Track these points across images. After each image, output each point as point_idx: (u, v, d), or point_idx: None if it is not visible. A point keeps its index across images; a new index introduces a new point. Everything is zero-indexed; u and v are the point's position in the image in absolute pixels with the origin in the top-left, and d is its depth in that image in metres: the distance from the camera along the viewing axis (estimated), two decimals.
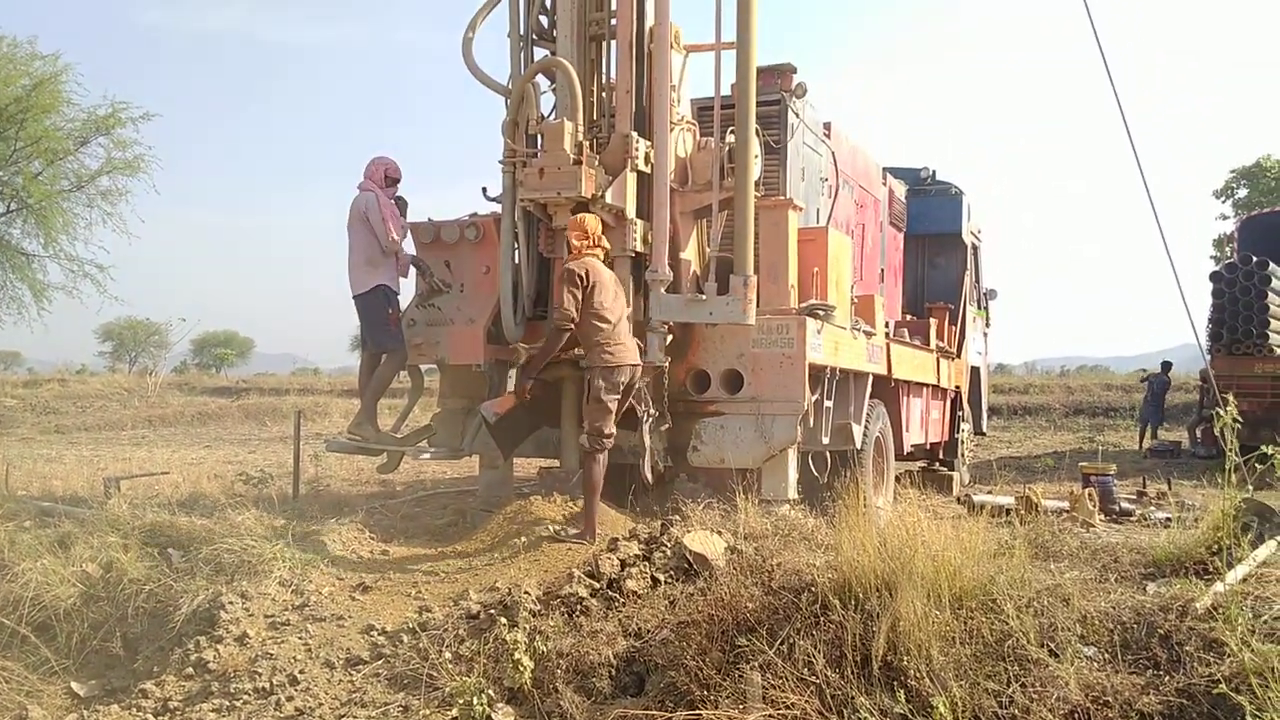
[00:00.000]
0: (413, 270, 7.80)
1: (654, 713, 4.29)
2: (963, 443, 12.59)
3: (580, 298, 6.50)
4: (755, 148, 7.11)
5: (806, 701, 4.04)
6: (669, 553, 5.38)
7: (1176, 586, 4.50)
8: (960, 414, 12.31)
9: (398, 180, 7.79)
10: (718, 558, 5.21)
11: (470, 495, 8.84)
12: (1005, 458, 17.39)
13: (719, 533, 5.52)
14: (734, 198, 7.09)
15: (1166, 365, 21.10)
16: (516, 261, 7.55)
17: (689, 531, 5.48)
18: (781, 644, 4.32)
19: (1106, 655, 4.16)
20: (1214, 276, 15.11)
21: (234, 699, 4.88)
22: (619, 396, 6.54)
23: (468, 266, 7.84)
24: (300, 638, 5.26)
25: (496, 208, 7.83)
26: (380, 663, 5.06)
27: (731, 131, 7.29)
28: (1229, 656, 3.89)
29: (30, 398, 29.44)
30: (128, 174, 22.13)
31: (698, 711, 4.07)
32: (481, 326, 7.54)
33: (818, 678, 4.12)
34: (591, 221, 6.78)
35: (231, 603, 5.46)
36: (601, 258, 6.80)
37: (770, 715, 4.00)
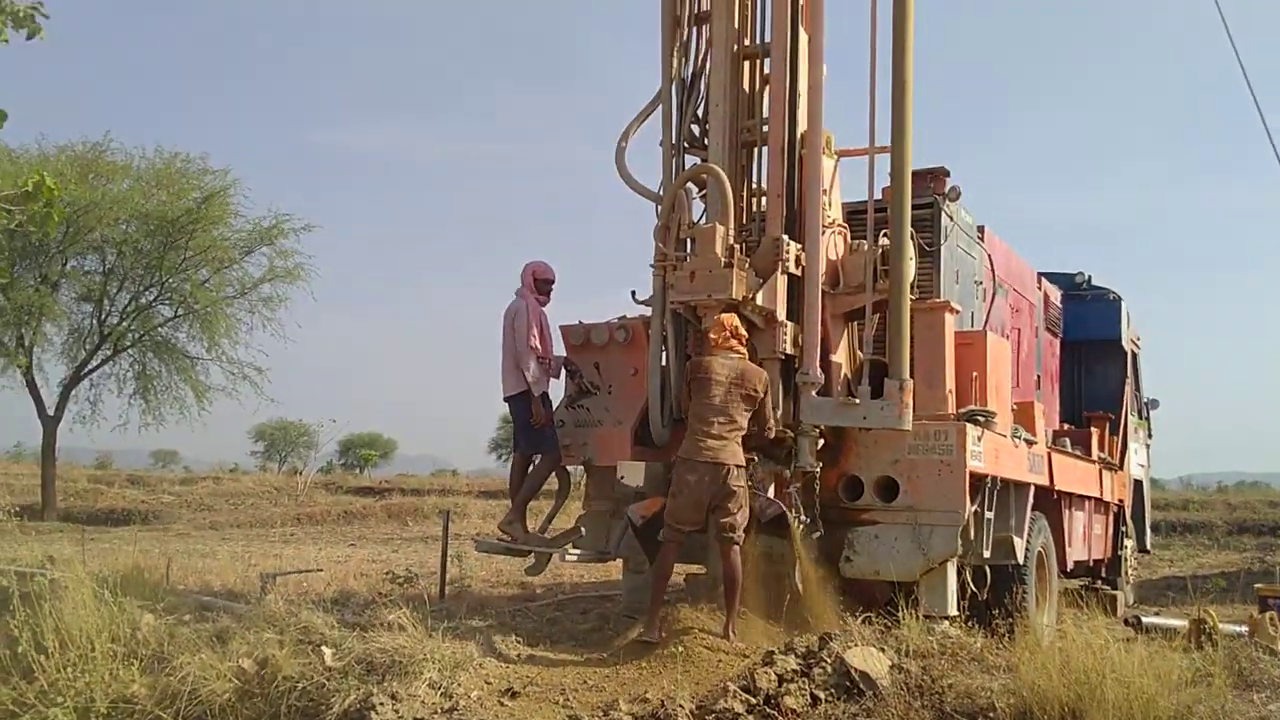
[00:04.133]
0: (564, 372, 7.88)
1: None
2: (1126, 560, 11.87)
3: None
4: (910, 250, 7.01)
5: None
6: (830, 669, 5.12)
7: None
8: (1123, 529, 11.64)
9: (550, 281, 7.91)
10: (882, 676, 4.94)
11: (613, 600, 8.72)
12: (1169, 577, 16.39)
13: (882, 649, 5.24)
14: (889, 299, 6.97)
15: None
16: (665, 364, 7.55)
17: (851, 647, 5.23)
18: None
19: None
20: None
21: None
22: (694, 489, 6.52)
23: (616, 368, 7.86)
24: None
25: (645, 310, 7.88)
26: None
27: (885, 234, 7.21)
28: None
29: (186, 494, 30.67)
30: (288, 281, 23.34)
31: None
32: (629, 428, 7.52)
33: None
34: (728, 319, 6.78)
35: (382, 704, 5.39)
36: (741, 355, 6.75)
37: None
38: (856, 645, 5.26)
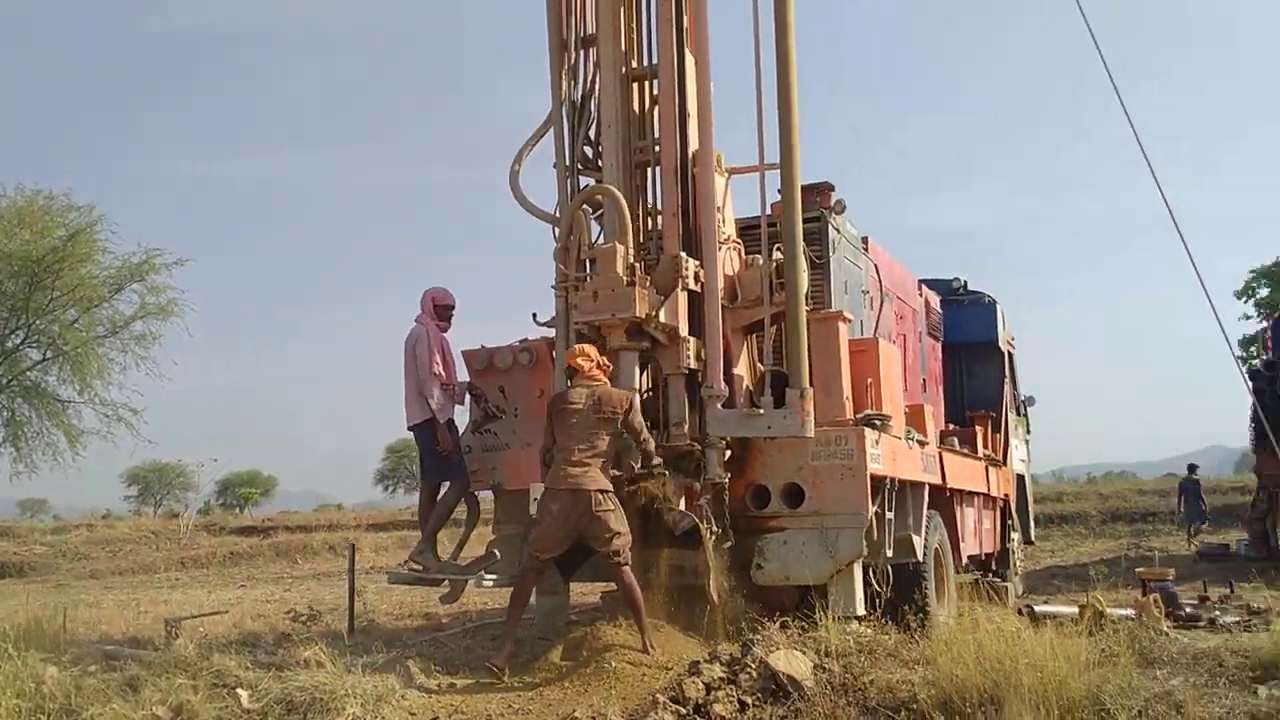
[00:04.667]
0: (469, 398, 7.87)
1: None
2: (1013, 552, 12.39)
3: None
4: (803, 263, 7.24)
5: None
6: (755, 674, 5.24)
7: None
8: (1009, 523, 12.15)
9: (450, 306, 7.91)
10: (806, 677, 5.08)
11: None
12: (1052, 567, 17.11)
13: (804, 651, 5.39)
14: (786, 311, 7.18)
15: (1192, 468, 22.18)
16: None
17: (773, 651, 5.36)
18: None
19: None
20: (1254, 375, 15.05)
21: None
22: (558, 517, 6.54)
23: (522, 391, 7.91)
24: None
25: (547, 332, 7.94)
26: None
27: (778, 248, 7.43)
28: None
29: (59, 544, 29.31)
30: (161, 318, 22.58)
31: None
32: (538, 451, 7.54)
33: None
34: (589, 350, 6.90)
35: None
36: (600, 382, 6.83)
37: None
38: (779, 649, 5.40)
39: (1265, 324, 22.81)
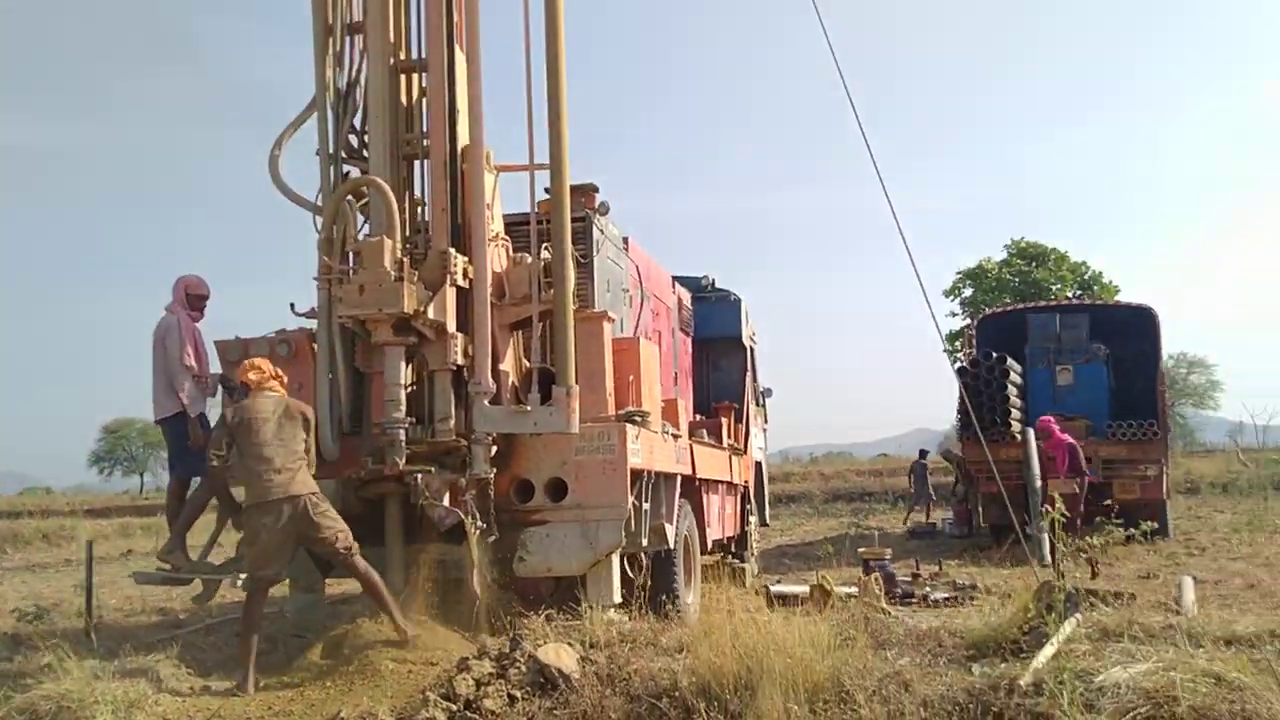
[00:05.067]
0: (221, 390, 7.58)
1: None
2: (751, 535, 13.16)
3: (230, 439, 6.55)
4: (570, 263, 7.43)
5: None
6: (524, 668, 5.41)
7: (1001, 666, 4.97)
8: (748, 507, 12.89)
9: (204, 296, 7.61)
10: (573, 669, 5.30)
11: (278, 619, 8.48)
12: (783, 545, 18.23)
13: (570, 644, 5.62)
14: (553, 310, 7.36)
15: (924, 452, 23.82)
16: (331, 377, 7.49)
17: (541, 645, 5.55)
18: None
19: None
20: (960, 371, 16.55)
21: None
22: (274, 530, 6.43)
23: None
24: None
25: (304, 323, 7.76)
26: None
27: (546, 247, 7.59)
28: None
29: None
30: None
31: None
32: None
33: None
34: (264, 363, 6.85)
35: None
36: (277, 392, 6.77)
37: None
38: (546, 643, 5.59)
39: (970, 321, 25.15)
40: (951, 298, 41.69)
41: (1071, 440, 14.44)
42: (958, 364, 18.01)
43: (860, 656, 4.87)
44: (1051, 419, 14.99)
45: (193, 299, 7.53)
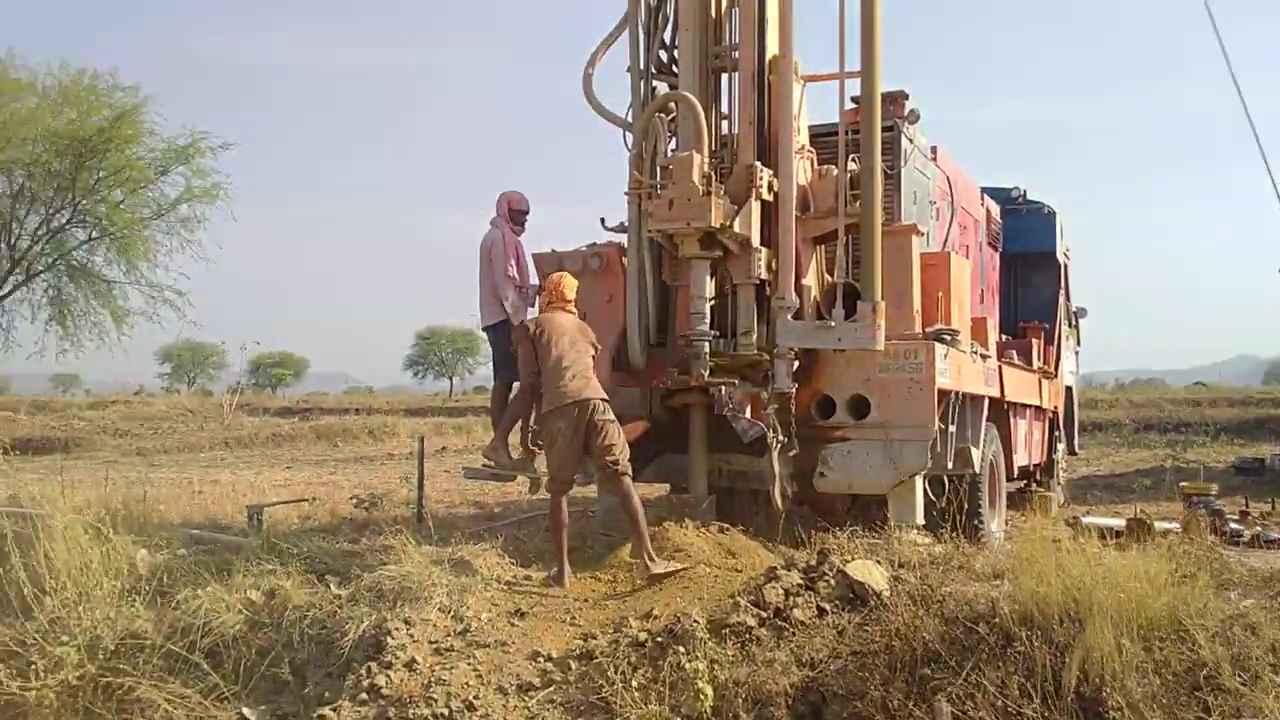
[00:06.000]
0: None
1: None
2: (1058, 463, 12.54)
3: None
4: (880, 175, 7.20)
5: None
6: (832, 582, 5.43)
7: None
8: (1056, 434, 12.26)
9: (524, 212, 7.97)
10: (883, 588, 5.27)
11: (586, 518, 8.94)
12: (1091, 476, 17.23)
13: (878, 562, 5.57)
14: (860, 224, 7.18)
15: None
16: (640, 290, 7.69)
17: (849, 561, 5.54)
18: (969, 674, 4.36)
19: None
20: None
21: None
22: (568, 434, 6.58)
23: (591, 296, 7.95)
24: (469, 664, 5.36)
25: (614, 237, 8.00)
26: (552, 689, 5.16)
27: (853, 159, 7.38)
28: None
29: (98, 420, 30.01)
30: (206, 201, 22.64)
31: None
32: (606, 354, 7.66)
33: (1011, 707, 4.16)
34: (563, 280, 7.02)
35: (397, 629, 5.57)
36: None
37: None
38: (854, 559, 5.57)
39: None
40: None
41: None
42: None
43: (1200, 595, 4.53)
44: None
45: (514, 214, 7.91)
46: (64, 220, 22.25)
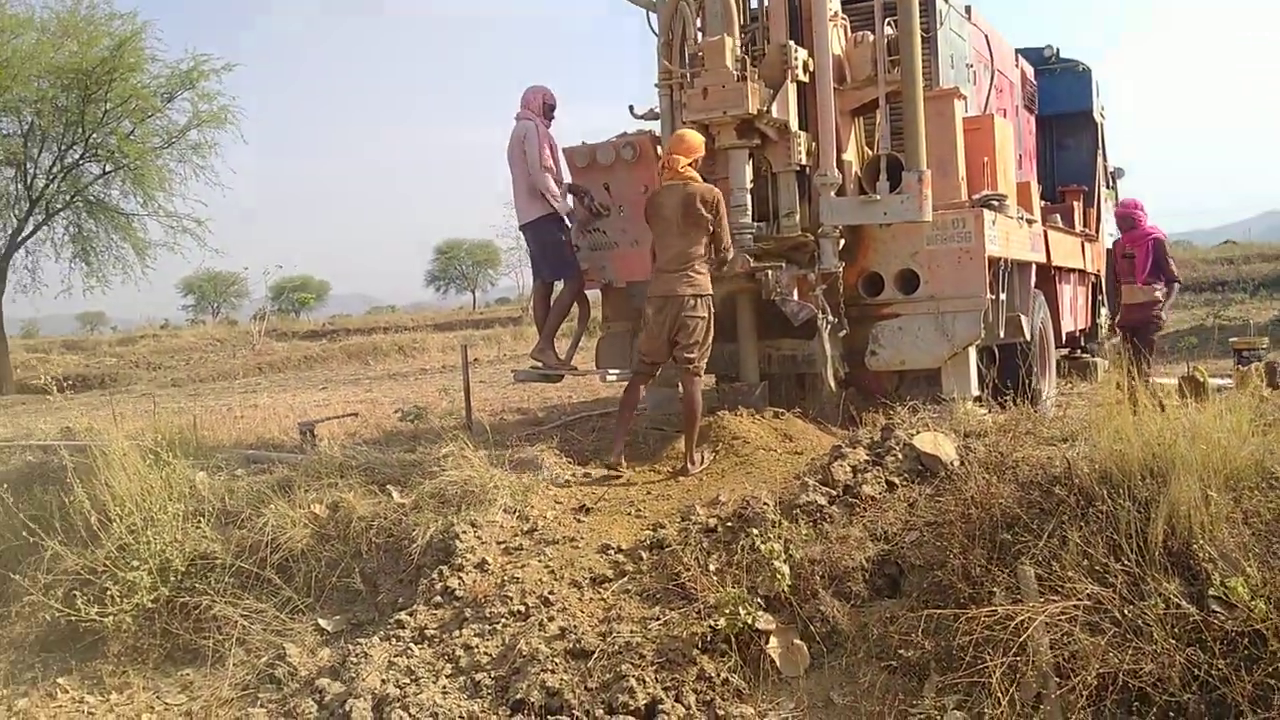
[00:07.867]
0: (572, 197, 7.78)
1: (928, 611, 4.30)
2: (1102, 327, 12.37)
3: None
4: (918, 38, 6.93)
5: (1092, 589, 4.03)
6: (900, 455, 5.36)
7: None
8: (1099, 298, 12.08)
9: (554, 106, 7.74)
10: (952, 458, 5.20)
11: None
12: None
13: (945, 433, 5.50)
14: (902, 91, 6.92)
15: None
16: None
17: (915, 433, 5.46)
18: (1051, 536, 4.30)
19: None
20: None
21: (492, 623, 4.98)
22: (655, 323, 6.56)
23: (626, 188, 7.79)
24: (540, 560, 5.36)
25: (644, 125, 7.78)
26: (625, 579, 5.16)
27: (889, 23, 7.10)
28: None
29: (128, 355, 30.20)
30: (215, 126, 22.41)
31: (991, 607, 4.07)
32: (647, 247, 7.50)
33: (1098, 566, 4.10)
34: (695, 139, 6.66)
35: (465, 532, 5.57)
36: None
37: (1059, 605, 3.99)
38: (921, 431, 5.50)
39: None
40: None
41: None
42: None
43: None
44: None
45: (547, 108, 7.68)
46: (77, 156, 22.15)
